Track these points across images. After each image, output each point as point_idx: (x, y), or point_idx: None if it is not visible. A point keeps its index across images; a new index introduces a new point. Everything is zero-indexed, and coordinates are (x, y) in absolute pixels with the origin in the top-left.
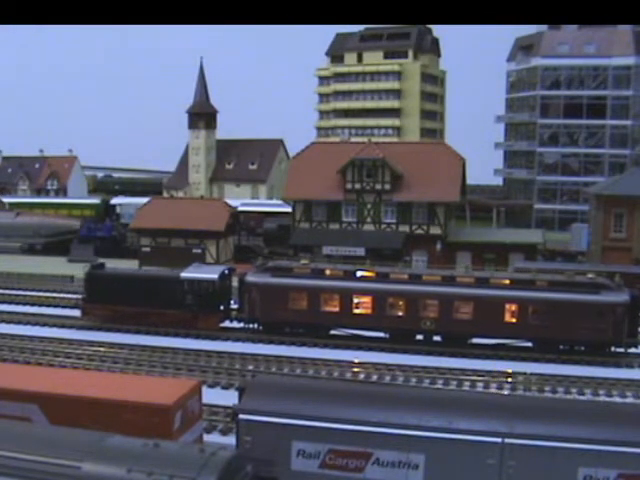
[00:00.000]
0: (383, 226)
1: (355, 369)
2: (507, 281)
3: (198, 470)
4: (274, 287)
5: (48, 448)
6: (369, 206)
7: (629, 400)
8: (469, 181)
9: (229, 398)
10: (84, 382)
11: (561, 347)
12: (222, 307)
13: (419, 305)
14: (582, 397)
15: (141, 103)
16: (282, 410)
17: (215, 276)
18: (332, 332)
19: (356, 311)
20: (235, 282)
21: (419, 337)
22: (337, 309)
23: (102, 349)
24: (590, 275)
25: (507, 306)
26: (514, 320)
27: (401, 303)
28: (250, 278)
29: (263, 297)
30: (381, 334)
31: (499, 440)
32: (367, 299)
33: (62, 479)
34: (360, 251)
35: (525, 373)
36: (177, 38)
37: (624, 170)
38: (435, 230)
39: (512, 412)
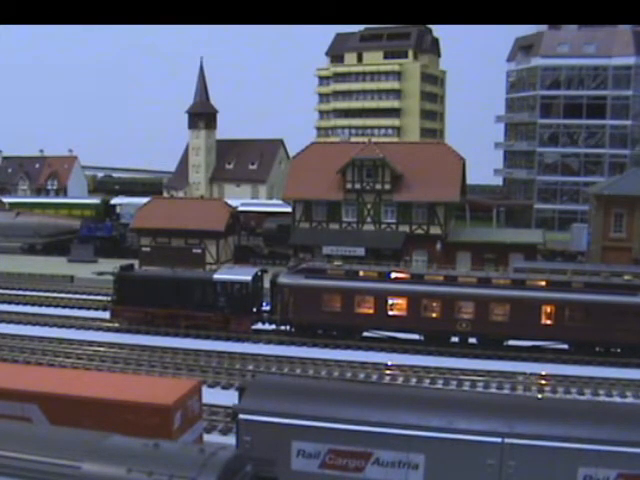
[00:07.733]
0: (383, 226)
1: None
2: (543, 283)
3: (198, 470)
4: (307, 289)
5: (48, 448)
6: (369, 206)
7: (629, 400)
8: (469, 181)
9: (229, 398)
10: (84, 382)
11: (597, 349)
12: (254, 309)
13: (455, 307)
14: (582, 397)
15: (141, 103)
16: (282, 410)
17: (249, 278)
18: (365, 334)
19: (390, 313)
20: (267, 284)
21: (454, 339)
22: (371, 311)
23: (102, 349)
24: (627, 277)
25: (543, 308)
26: (550, 322)
27: (436, 305)
28: (282, 280)
29: (296, 299)
30: (415, 336)
31: (499, 440)
32: (402, 301)
33: (62, 479)
34: (360, 251)
35: (524, 373)
36: (177, 38)
37: (624, 170)
38: (435, 230)
39: (512, 412)
